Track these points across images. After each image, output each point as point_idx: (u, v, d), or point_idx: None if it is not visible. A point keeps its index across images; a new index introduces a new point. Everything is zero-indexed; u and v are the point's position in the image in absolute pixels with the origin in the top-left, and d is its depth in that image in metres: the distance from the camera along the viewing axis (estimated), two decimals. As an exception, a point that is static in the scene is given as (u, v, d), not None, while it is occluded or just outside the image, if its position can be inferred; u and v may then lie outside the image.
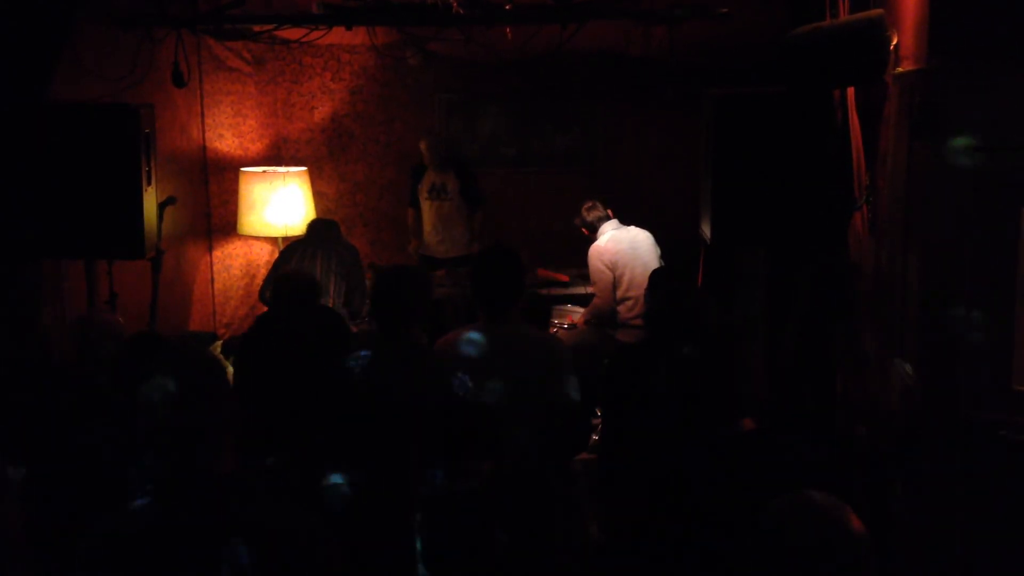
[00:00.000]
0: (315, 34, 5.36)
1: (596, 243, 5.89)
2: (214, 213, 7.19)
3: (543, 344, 3.52)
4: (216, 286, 7.21)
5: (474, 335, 3.42)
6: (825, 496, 1.90)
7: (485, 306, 3.44)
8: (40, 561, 2.48)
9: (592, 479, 3.72)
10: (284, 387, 3.74)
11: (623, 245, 5.82)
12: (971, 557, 3.07)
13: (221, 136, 7.11)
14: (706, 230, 4.23)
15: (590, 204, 6.01)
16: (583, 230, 6.02)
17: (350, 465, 3.16)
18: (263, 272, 6.87)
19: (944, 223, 3.10)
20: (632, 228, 5.94)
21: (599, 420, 3.60)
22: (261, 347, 4.08)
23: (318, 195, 7.18)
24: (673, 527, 3.00)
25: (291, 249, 5.72)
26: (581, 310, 6.21)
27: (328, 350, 3.76)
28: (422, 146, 6.79)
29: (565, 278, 6.61)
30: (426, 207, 6.86)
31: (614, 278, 5.80)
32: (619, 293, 5.81)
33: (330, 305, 5.44)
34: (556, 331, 6.00)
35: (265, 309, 5.99)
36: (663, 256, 5.92)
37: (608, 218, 5.96)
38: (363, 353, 3.33)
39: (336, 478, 3.01)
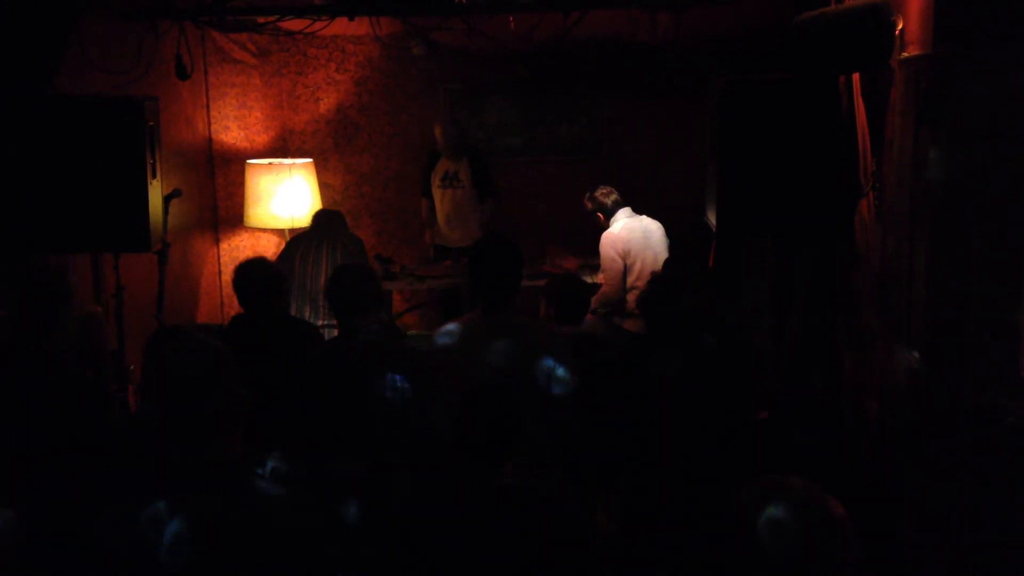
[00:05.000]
0: (318, 25, 5.35)
1: (609, 230, 5.87)
2: (220, 205, 7.20)
3: (540, 333, 3.52)
4: (223, 278, 7.22)
5: (451, 326, 3.48)
6: (803, 480, 1.89)
7: (483, 296, 3.45)
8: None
9: (600, 469, 3.71)
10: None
11: (636, 234, 5.80)
12: (978, 543, 3.06)
13: (227, 128, 7.11)
14: (712, 218, 4.22)
15: (606, 189, 5.98)
16: (598, 214, 5.98)
17: (353, 459, 3.18)
18: (270, 264, 6.88)
19: (950, 209, 3.09)
20: (644, 217, 5.92)
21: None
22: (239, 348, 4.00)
23: (324, 187, 7.18)
24: (683, 517, 3.00)
25: (296, 241, 5.72)
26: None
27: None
28: (436, 131, 6.77)
29: (572, 266, 6.59)
30: (439, 195, 6.84)
31: (625, 267, 5.78)
32: (628, 282, 5.80)
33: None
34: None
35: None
36: (671, 245, 5.90)
37: (623, 204, 5.94)
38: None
39: (340, 473, 3.02)
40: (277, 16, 5.31)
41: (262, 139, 7.24)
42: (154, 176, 4.25)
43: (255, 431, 2.31)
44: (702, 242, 5.75)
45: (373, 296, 3.56)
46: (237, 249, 7.28)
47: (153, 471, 2.15)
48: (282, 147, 7.26)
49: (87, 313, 3.90)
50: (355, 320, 3.44)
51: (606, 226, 5.93)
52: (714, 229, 4.19)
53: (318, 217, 5.90)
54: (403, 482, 3.04)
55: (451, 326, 3.50)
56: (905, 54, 3.36)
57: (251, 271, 4.00)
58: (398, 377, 3.30)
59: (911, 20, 3.31)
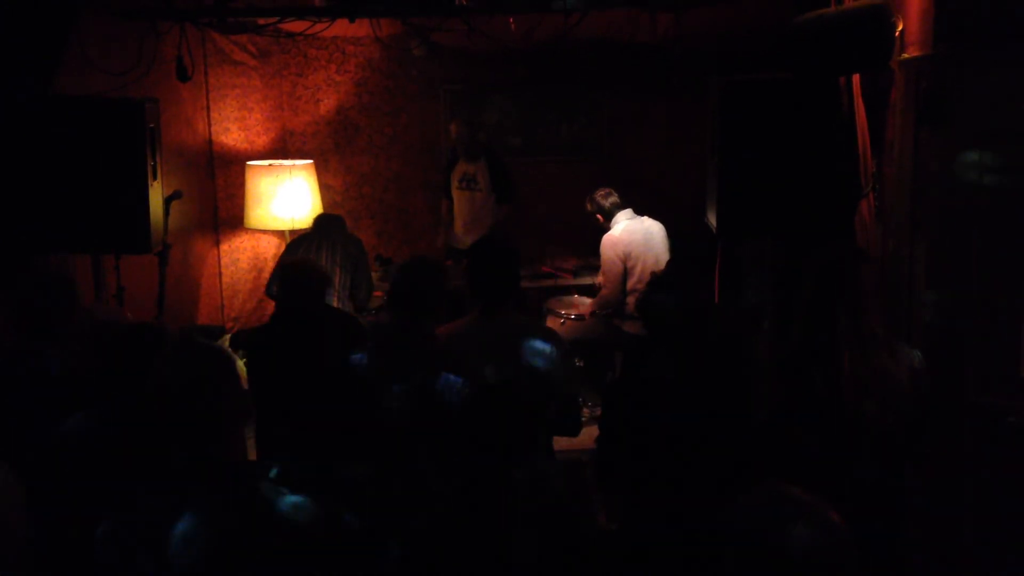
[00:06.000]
0: (319, 26, 5.35)
1: (610, 233, 5.85)
2: (221, 207, 7.20)
3: (539, 334, 3.52)
4: (224, 280, 7.23)
5: (449, 328, 3.46)
6: (801, 490, 1.88)
7: (480, 299, 3.44)
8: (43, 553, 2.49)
9: (599, 468, 3.72)
10: (298, 387, 3.71)
11: (637, 236, 5.79)
12: (978, 542, 3.06)
13: (227, 130, 7.12)
14: (712, 218, 4.22)
15: (606, 191, 5.97)
16: (597, 216, 5.97)
17: (362, 461, 3.17)
18: (270, 265, 6.89)
19: (951, 209, 3.09)
20: (646, 219, 5.91)
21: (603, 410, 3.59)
22: (276, 346, 4.03)
23: (324, 188, 7.18)
24: (683, 517, 3.00)
25: (297, 242, 5.72)
26: (588, 300, 6.20)
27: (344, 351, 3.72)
28: (452, 127, 6.77)
29: (568, 274, 6.60)
30: (457, 197, 6.83)
31: (625, 269, 5.77)
32: (629, 284, 5.79)
33: (335, 298, 5.44)
34: (564, 322, 5.99)
35: (272, 303, 6.02)
36: (672, 246, 5.90)
37: (623, 206, 5.92)
38: (358, 356, 3.33)
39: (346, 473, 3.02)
40: (278, 18, 5.31)
41: (262, 140, 7.25)
42: (155, 177, 4.25)
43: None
44: (704, 244, 5.76)
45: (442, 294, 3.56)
46: (237, 250, 7.28)
47: (155, 472, 2.16)
48: (282, 148, 7.27)
49: (111, 315, 3.87)
50: (419, 319, 3.41)
51: (607, 228, 5.93)
52: (714, 230, 4.19)
53: (319, 220, 5.93)
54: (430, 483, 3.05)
55: (449, 327, 3.50)
56: (905, 55, 3.36)
57: (305, 271, 4.05)
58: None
59: (911, 21, 3.31)
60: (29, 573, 2.08)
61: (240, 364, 2.52)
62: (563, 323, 5.98)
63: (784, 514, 1.83)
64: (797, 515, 1.82)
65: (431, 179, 7.19)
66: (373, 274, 6.13)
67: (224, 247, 7.25)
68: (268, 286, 5.80)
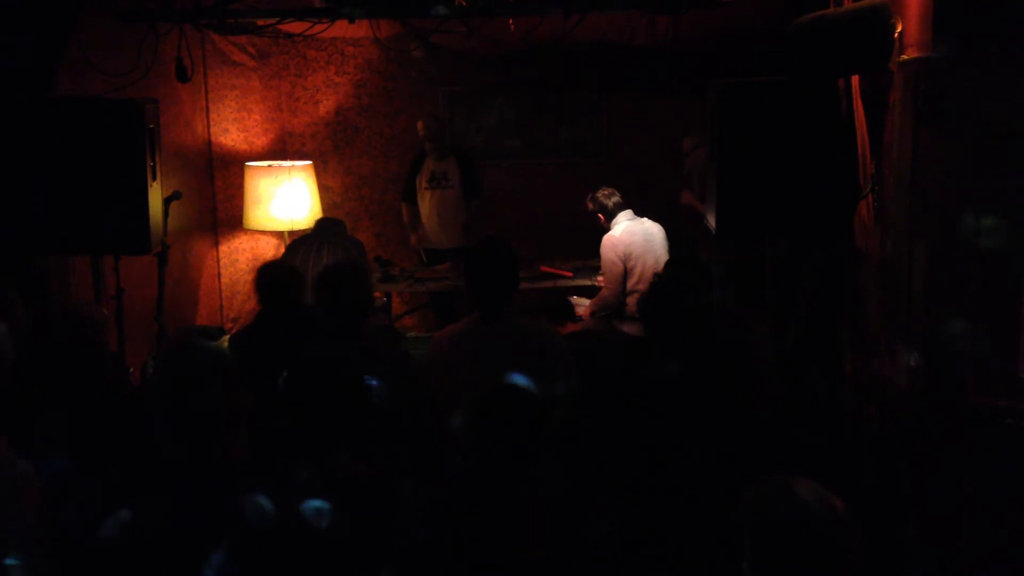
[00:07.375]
0: (318, 28, 5.36)
1: (610, 233, 5.85)
2: (220, 208, 7.20)
3: (539, 336, 3.51)
4: (223, 280, 7.23)
5: (450, 331, 3.48)
6: (807, 480, 1.90)
7: (480, 301, 3.43)
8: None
9: (600, 469, 3.72)
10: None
11: (637, 237, 5.79)
12: (977, 543, 3.07)
13: (226, 131, 7.11)
14: (711, 220, 4.23)
15: (608, 190, 5.96)
16: (599, 215, 5.96)
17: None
18: (269, 266, 6.89)
19: (950, 210, 3.10)
20: (645, 220, 5.91)
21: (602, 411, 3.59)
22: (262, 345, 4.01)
23: (323, 189, 7.18)
24: (683, 518, 3.01)
25: (297, 244, 5.72)
26: (587, 301, 6.20)
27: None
28: (419, 125, 6.76)
29: (569, 274, 6.59)
30: (426, 197, 6.82)
31: (625, 270, 5.77)
32: (629, 285, 5.79)
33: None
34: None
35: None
36: (671, 248, 5.90)
37: (624, 206, 5.93)
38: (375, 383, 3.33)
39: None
40: (277, 19, 5.32)
41: (261, 141, 7.25)
42: (154, 178, 4.26)
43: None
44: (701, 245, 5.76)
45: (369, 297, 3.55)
46: (236, 251, 7.29)
47: (156, 471, 2.16)
48: (281, 149, 7.27)
49: (86, 314, 3.87)
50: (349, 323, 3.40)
51: (607, 228, 5.93)
52: (713, 231, 4.19)
53: (320, 223, 5.94)
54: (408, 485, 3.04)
55: (449, 331, 3.50)
56: (904, 56, 3.37)
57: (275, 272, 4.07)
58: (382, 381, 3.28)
59: (910, 22, 3.32)
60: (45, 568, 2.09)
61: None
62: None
63: (795, 497, 1.85)
64: (801, 501, 1.84)
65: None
66: (373, 276, 6.13)
67: (223, 248, 7.25)
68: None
